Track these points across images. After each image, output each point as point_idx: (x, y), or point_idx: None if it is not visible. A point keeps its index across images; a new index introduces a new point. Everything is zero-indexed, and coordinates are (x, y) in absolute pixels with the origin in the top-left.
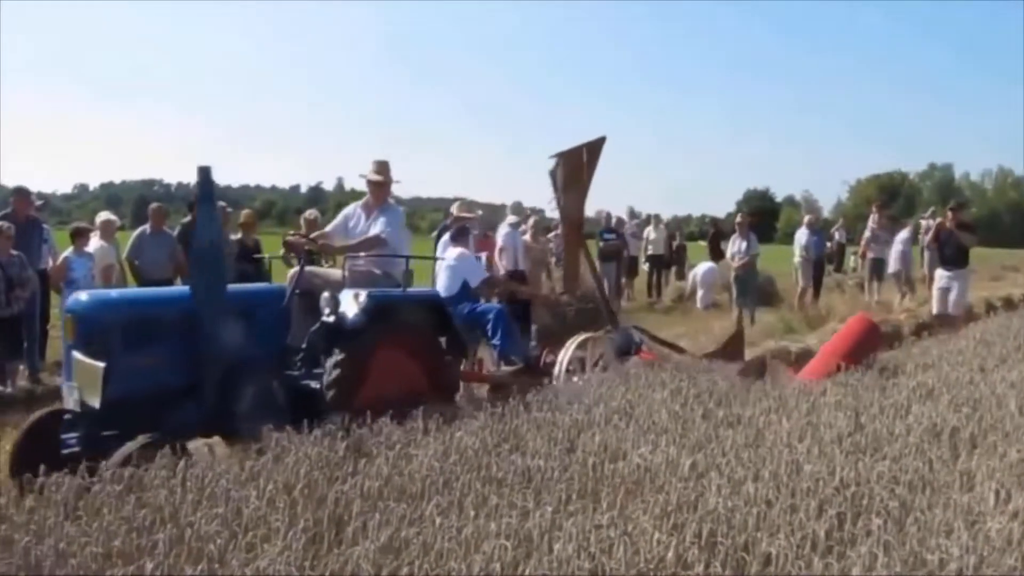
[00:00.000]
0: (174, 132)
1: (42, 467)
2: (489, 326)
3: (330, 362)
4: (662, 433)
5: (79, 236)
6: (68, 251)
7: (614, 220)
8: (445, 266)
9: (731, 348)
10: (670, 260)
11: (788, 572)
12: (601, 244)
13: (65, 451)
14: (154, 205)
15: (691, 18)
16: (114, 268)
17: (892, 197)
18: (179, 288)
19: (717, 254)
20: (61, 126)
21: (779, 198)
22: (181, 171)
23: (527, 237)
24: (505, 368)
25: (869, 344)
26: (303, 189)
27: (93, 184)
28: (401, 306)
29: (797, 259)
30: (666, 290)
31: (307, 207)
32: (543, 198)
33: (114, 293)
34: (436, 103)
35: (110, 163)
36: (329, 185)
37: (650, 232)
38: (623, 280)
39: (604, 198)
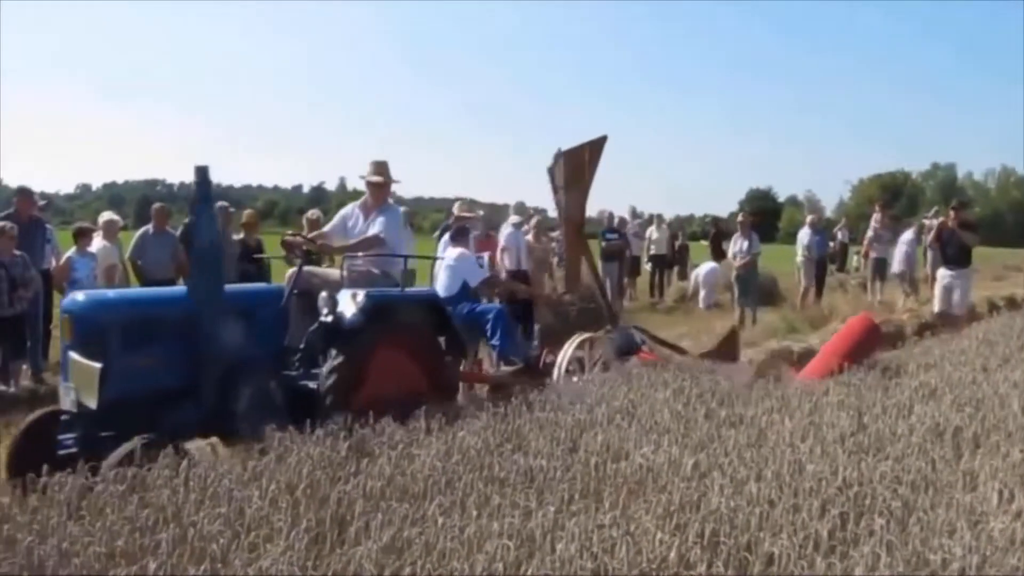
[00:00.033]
0: (177, 132)
1: (44, 467)
2: (488, 326)
3: (328, 362)
4: (664, 433)
5: (82, 236)
6: (71, 251)
7: (616, 220)
8: (445, 266)
9: (725, 348)
10: (672, 260)
11: (791, 572)
12: (603, 244)
13: (62, 452)
14: (157, 205)
15: (692, 18)
16: (117, 268)
17: (895, 197)
18: (176, 288)
19: (719, 254)
20: (64, 126)
21: (781, 198)
22: (184, 171)
23: (530, 237)
24: (505, 368)
25: (869, 344)
26: (305, 189)
27: (96, 184)
28: (399, 306)
29: (800, 259)
30: (668, 290)
31: (309, 207)
32: (545, 198)
33: (111, 293)
34: (438, 103)
35: (113, 163)
36: (331, 185)
37: (652, 232)
38: (625, 280)
39: (606, 198)
